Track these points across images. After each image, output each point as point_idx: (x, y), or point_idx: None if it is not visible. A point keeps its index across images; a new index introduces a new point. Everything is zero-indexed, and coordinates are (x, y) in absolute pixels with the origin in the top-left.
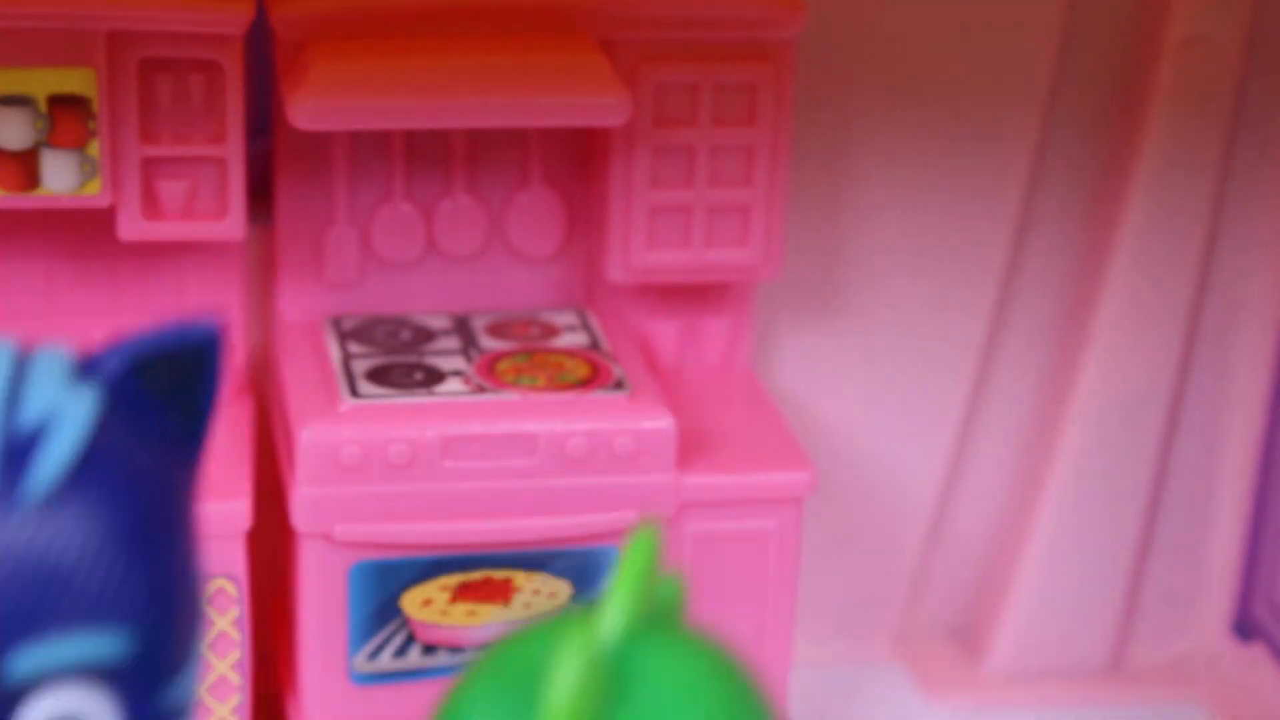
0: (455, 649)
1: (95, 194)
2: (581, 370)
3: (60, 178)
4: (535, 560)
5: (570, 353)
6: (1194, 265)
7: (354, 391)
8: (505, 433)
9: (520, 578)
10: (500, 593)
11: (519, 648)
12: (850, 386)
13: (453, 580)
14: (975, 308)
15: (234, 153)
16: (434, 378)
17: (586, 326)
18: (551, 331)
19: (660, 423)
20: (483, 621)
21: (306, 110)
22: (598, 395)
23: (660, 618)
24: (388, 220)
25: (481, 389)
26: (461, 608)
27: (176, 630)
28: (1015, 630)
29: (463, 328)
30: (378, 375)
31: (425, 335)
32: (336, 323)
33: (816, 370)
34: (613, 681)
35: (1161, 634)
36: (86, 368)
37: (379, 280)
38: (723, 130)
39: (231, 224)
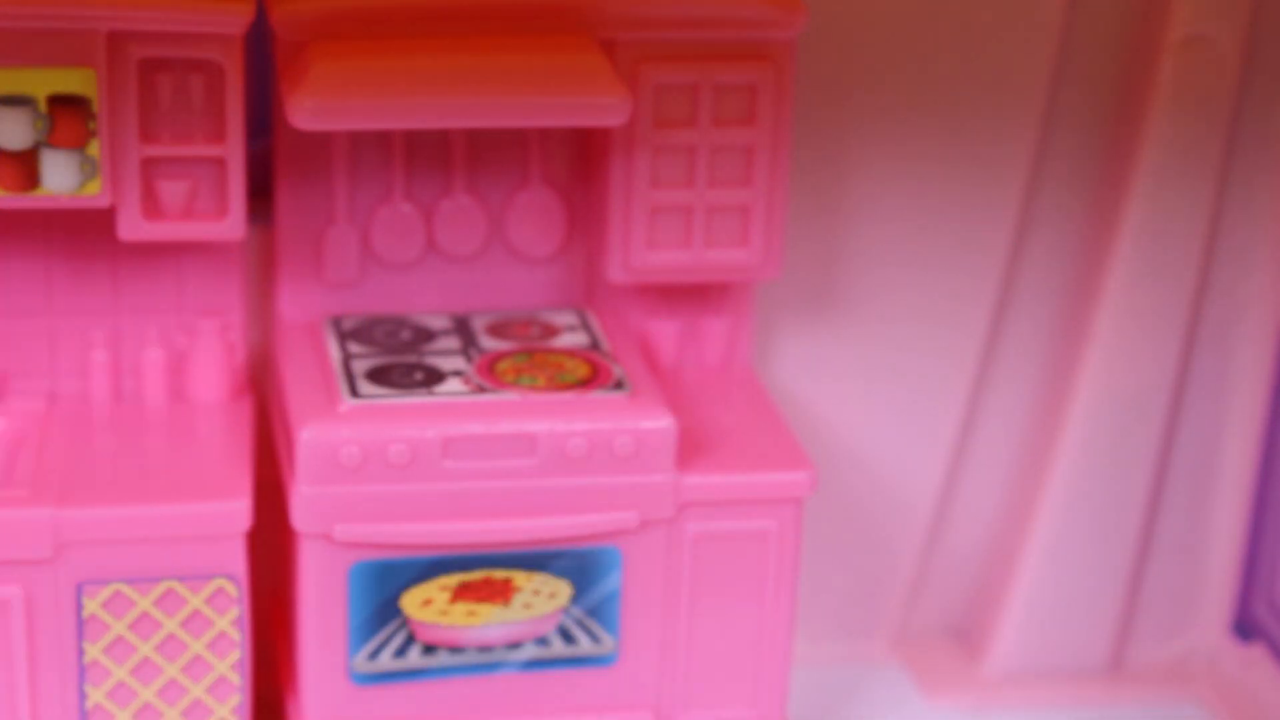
0: (455, 649)
1: (95, 194)
2: (581, 370)
3: (60, 178)
4: (535, 560)
5: (570, 353)
6: (1194, 265)
7: (354, 391)
8: (505, 433)
9: (520, 578)
10: (500, 593)
11: None
12: (850, 386)
13: (453, 580)
14: (975, 307)
15: (234, 153)
16: (434, 378)
17: (586, 326)
18: (551, 331)
19: (660, 423)
20: (483, 621)
21: (306, 110)
22: (598, 395)
23: None
24: (388, 220)
25: (481, 389)
26: (461, 608)
27: None
28: (1015, 630)
29: (463, 328)
30: (378, 375)
31: (425, 335)
32: (336, 323)
33: (816, 370)
34: None
35: (1161, 634)
36: None
37: (379, 280)
38: (723, 130)
39: (231, 224)
